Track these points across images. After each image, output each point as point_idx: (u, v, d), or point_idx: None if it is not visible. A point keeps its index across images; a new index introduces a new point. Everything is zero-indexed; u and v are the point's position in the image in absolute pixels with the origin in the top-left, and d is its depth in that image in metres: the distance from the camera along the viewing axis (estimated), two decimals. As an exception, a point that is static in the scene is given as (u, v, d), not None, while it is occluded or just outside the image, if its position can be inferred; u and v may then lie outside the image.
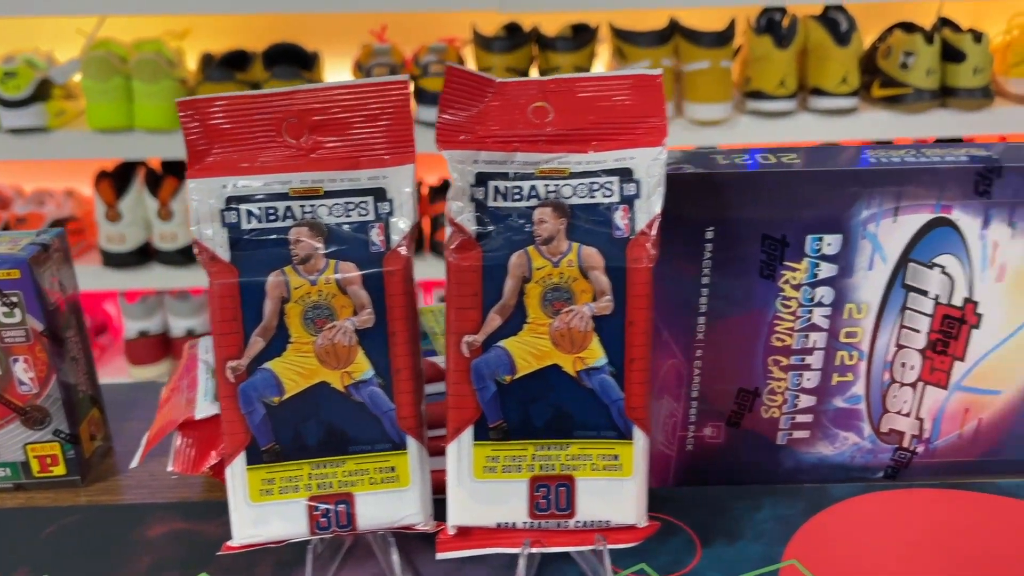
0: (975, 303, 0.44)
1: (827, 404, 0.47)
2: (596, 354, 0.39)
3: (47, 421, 0.48)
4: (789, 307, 0.44)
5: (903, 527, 0.45)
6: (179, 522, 0.46)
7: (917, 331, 0.45)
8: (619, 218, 0.38)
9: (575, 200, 0.39)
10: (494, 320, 0.39)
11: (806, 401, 0.46)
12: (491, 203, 0.39)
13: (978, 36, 1.64)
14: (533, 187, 0.39)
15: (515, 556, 0.41)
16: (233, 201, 0.39)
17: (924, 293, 0.44)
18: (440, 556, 0.40)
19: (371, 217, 0.39)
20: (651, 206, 0.38)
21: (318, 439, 0.40)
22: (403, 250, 0.39)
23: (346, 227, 0.39)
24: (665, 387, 0.46)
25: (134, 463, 0.48)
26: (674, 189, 0.41)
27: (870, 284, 0.44)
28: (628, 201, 0.38)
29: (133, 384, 0.60)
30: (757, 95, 1.62)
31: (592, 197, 0.39)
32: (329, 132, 0.39)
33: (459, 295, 0.38)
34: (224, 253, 0.39)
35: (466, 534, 0.40)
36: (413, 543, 0.44)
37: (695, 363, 0.45)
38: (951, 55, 1.65)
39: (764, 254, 0.43)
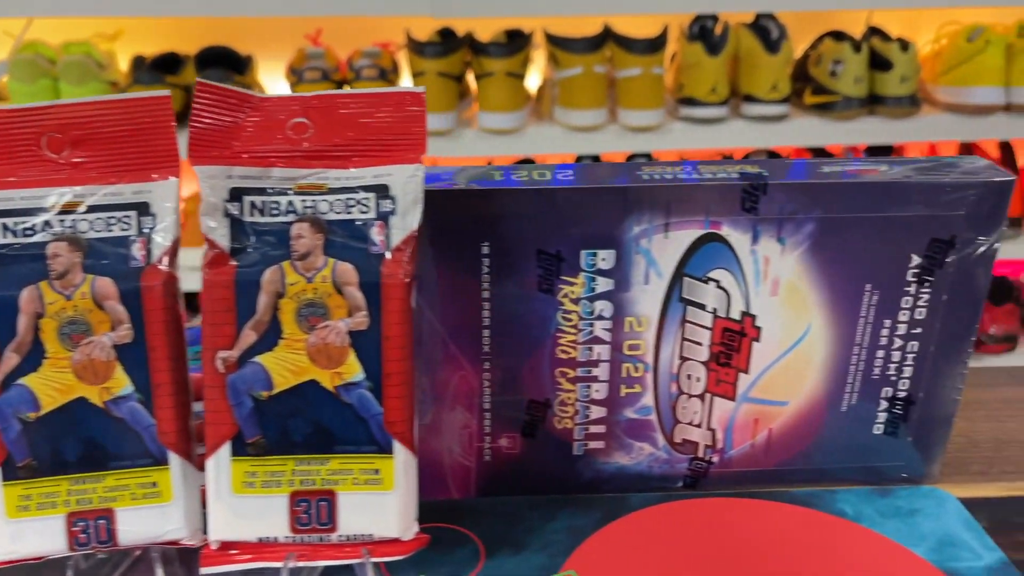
0: (753, 316, 0.45)
1: (618, 415, 0.47)
2: (353, 369, 0.39)
3: None
4: (570, 320, 0.45)
5: (693, 535, 0.46)
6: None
7: (699, 343, 0.46)
8: (375, 234, 0.39)
9: (332, 216, 0.39)
10: (249, 336, 0.39)
11: (597, 412, 0.47)
12: (247, 218, 0.39)
13: (905, 45, 1.66)
14: (291, 202, 0.39)
15: (279, 570, 0.41)
16: (-11, 216, 0.39)
17: (702, 307, 0.45)
18: (204, 571, 0.41)
19: (133, 232, 0.39)
20: (408, 223, 0.39)
21: (77, 455, 0.40)
22: (163, 265, 0.39)
23: (106, 242, 0.39)
24: (458, 399, 0.46)
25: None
26: (448, 204, 0.42)
27: (648, 298, 0.44)
28: (384, 217, 0.39)
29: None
30: (689, 102, 1.64)
31: (349, 213, 0.39)
32: (91, 146, 0.39)
33: (213, 311, 0.39)
34: (-23, 268, 0.39)
35: (228, 549, 0.41)
36: (184, 561, 0.44)
37: (484, 375, 0.46)
38: (879, 64, 1.67)
39: (541, 269, 0.43)
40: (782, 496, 0.49)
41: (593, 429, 0.47)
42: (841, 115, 1.66)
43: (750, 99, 1.66)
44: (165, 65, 1.67)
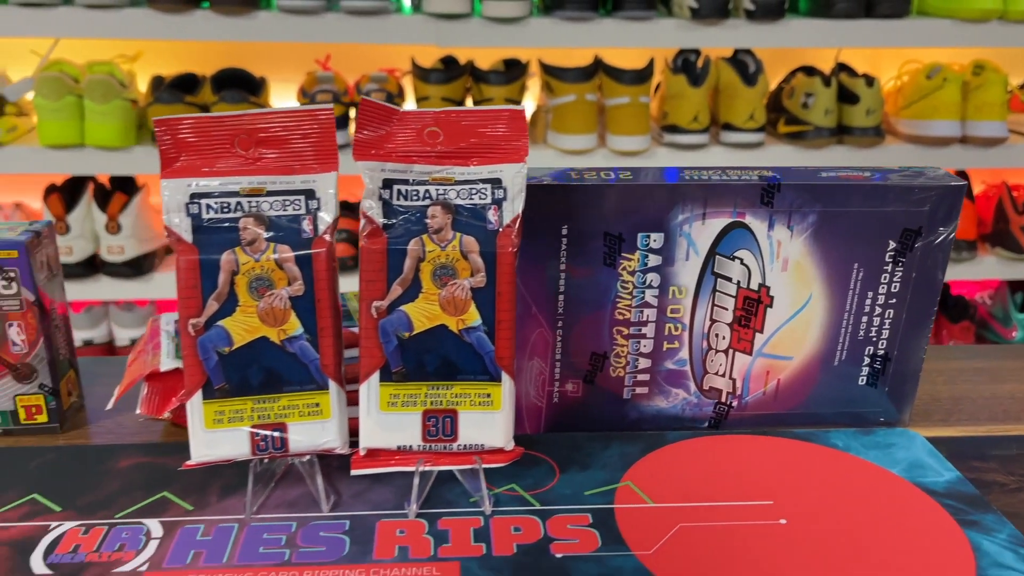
0: (767, 287, 0.58)
1: (660, 366, 0.60)
2: (473, 317, 0.51)
3: (34, 376, 0.58)
4: (627, 288, 0.57)
5: (720, 462, 0.59)
6: (143, 457, 0.57)
7: (726, 308, 0.59)
8: (491, 215, 0.51)
9: (458, 201, 0.51)
10: (396, 290, 0.51)
11: (644, 363, 0.60)
12: (395, 202, 0.51)
13: (871, 81, 1.80)
14: (427, 190, 0.51)
15: (411, 474, 0.53)
16: (195, 197, 0.50)
17: (729, 279, 0.58)
18: (354, 473, 0.52)
19: (303, 211, 0.52)
20: (515, 207, 0.51)
21: (259, 381, 0.51)
22: (327, 237, 0.51)
23: (283, 218, 0.51)
24: (535, 351, 0.59)
25: (109, 405, 0.59)
26: (537, 197, 0.54)
27: (687, 271, 0.57)
28: (497, 203, 0.51)
29: (98, 359, 0.70)
30: (673, 129, 1.77)
31: (471, 199, 0.51)
32: (271, 146, 0.51)
33: (369, 270, 0.51)
34: (188, 236, 0.50)
35: (374, 455, 0.53)
36: (334, 471, 0.55)
37: (558, 332, 0.58)
38: (847, 97, 1.81)
39: (606, 247, 0.56)
40: (787, 435, 0.61)
41: (640, 377, 0.60)
42: (812, 143, 1.80)
43: (729, 127, 1.79)
44: (183, 85, 1.77)
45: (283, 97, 1.90)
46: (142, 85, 1.85)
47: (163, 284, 1.76)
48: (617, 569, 0.48)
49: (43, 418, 0.59)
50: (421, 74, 1.73)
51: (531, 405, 0.60)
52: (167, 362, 0.58)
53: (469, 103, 1.80)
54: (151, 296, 1.77)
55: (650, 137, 1.76)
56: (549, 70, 1.74)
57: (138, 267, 1.75)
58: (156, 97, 1.72)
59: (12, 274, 0.56)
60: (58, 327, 0.60)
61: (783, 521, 0.52)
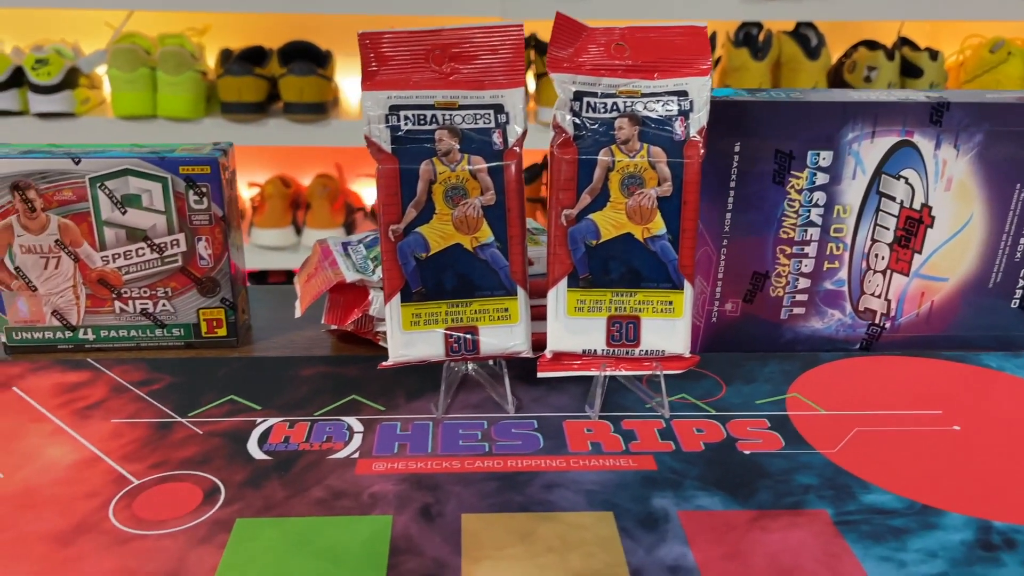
0: (930, 207, 0.59)
1: (819, 286, 0.61)
2: (659, 225, 0.53)
3: (217, 291, 0.61)
4: (793, 207, 0.59)
5: (879, 378, 0.60)
6: (323, 367, 0.60)
7: (887, 228, 0.60)
8: (677, 126, 0.53)
9: (645, 113, 0.53)
10: (585, 199, 0.53)
11: (803, 283, 0.61)
12: (584, 114, 0.53)
13: (934, 54, 1.80)
14: (615, 103, 0.53)
15: (588, 385, 0.55)
16: (394, 108, 0.52)
17: (893, 199, 0.59)
18: (540, 375, 0.54)
19: (493, 125, 0.53)
20: (700, 119, 0.53)
21: (453, 285, 0.53)
22: (517, 149, 0.53)
23: (475, 131, 0.53)
24: (698, 269, 0.61)
25: (297, 314, 0.61)
26: (711, 114, 0.56)
27: (853, 190, 0.59)
28: (684, 114, 0.53)
29: (254, 287, 0.73)
30: (735, 102, 1.77)
31: (658, 111, 0.53)
32: (464, 61, 0.53)
33: (559, 179, 0.53)
34: (387, 147, 0.52)
35: (558, 359, 0.54)
36: (511, 380, 0.58)
37: (722, 250, 0.60)
38: (909, 71, 1.81)
39: (776, 164, 0.58)
40: (939, 356, 0.63)
41: (798, 298, 0.62)
42: (876, 116, 1.80)
43: (792, 100, 1.79)
44: (251, 58, 1.80)
45: (350, 71, 1.92)
46: (210, 59, 1.88)
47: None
48: (806, 464, 0.50)
49: (223, 331, 0.62)
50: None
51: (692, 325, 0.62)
52: (350, 275, 0.60)
53: (529, 77, 1.82)
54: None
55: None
56: (616, 42, 1.75)
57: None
58: (226, 69, 1.75)
59: (204, 189, 0.58)
60: (238, 247, 0.62)
61: (957, 428, 0.54)
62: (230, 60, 1.79)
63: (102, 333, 0.61)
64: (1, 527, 0.43)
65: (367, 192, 2.02)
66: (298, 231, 1.88)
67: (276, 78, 1.79)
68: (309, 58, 1.82)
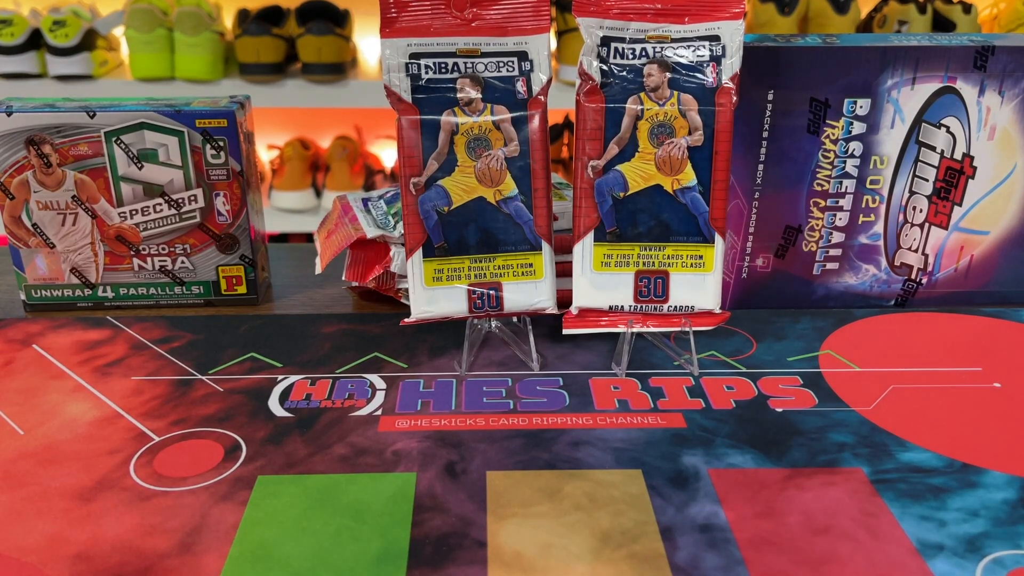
0: (971, 157, 0.57)
1: (854, 240, 0.59)
2: (689, 176, 0.51)
3: (236, 247, 0.60)
4: (828, 158, 0.57)
5: (916, 334, 0.58)
6: (344, 325, 0.59)
7: (926, 180, 0.58)
8: (709, 72, 0.51)
9: (675, 59, 0.51)
10: (612, 149, 0.51)
11: (837, 237, 0.59)
12: (612, 60, 0.51)
13: (967, 7, 1.75)
14: (644, 48, 0.51)
15: (614, 343, 0.53)
16: (414, 56, 0.51)
17: (933, 148, 0.57)
18: (566, 332, 0.53)
19: (516, 73, 0.52)
20: (733, 64, 0.51)
21: (476, 240, 0.52)
22: (542, 98, 0.51)
23: (497, 80, 0.51)
24: (729, 224, 0.59)
25: (318, 270, 0.60)
26: (743, 61, 0.53)
27: (891, 140, 0.56)
28: (716, 60, 0.51)
29: (278, 244, 0.72)
30: (761, 58, 1.74)
31: (689, 56, 0.51)
32: (486, 7, 0.51)
33: (585, 129, 0.51)
34: (407, 96, 0.51)
35: (584, 316, 0.53)
36: (535, 337, 0.56)
37: (753, 203, 0.58)
38: (942, 25, 1.77)
39: (811, 113, 0.55)
40: (977, 313, 0.61)
41: (832, 252, 0.60)
42: (907, 72, 1.76)
43: (821, 56, 1.75)
44: (268, 17, 1.78)
45: (367, 30, 1.90)
46: (228, 19, 1.86)
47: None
48: (840, 422, 0.48)
49: (242, 289, 0.61)
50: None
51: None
52: (371, 231, 0.59)
53: (552, 34, 1.79)
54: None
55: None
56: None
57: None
58: (244, 30, 1.73)
59: (221, 143, 0.57)
60: (255, 205, 0.61)
61: (997, 385, 0.52)
62: (247, 20, 1.78)
63: (121, 291, 0.60)
64: (23, 483, 0.43)
65: (387, 154, 2.00)
66: (318, 193, 1.87)
67: (294, 38, 1.77)
68: (327, 17, 1.80)
